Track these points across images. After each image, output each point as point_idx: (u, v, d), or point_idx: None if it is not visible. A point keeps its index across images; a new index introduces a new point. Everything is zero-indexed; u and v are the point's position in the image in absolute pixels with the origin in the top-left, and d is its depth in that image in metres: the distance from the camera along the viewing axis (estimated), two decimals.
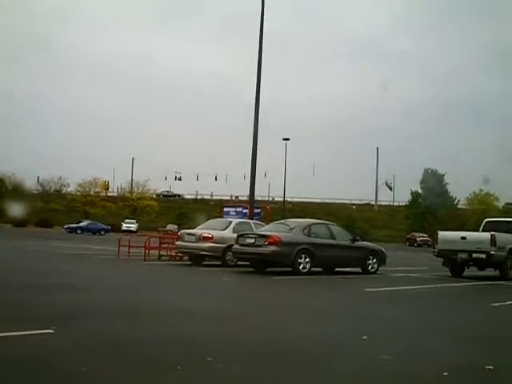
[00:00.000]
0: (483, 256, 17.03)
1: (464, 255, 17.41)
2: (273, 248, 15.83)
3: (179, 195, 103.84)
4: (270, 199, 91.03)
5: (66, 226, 61.43)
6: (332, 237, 17.32)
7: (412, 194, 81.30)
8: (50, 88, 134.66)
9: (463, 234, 18.51)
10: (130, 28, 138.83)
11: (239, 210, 27.16)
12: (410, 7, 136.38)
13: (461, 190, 78.69)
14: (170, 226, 53.36)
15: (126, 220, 73.13)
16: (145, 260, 19.59)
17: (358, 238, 18.31)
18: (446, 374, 5.10)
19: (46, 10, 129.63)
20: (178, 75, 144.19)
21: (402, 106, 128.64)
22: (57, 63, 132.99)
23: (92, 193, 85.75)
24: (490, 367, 5.40)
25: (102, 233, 60.44)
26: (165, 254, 21.27)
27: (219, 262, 18.38)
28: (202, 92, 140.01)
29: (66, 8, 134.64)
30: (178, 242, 19.70)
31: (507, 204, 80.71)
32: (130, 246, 20.42)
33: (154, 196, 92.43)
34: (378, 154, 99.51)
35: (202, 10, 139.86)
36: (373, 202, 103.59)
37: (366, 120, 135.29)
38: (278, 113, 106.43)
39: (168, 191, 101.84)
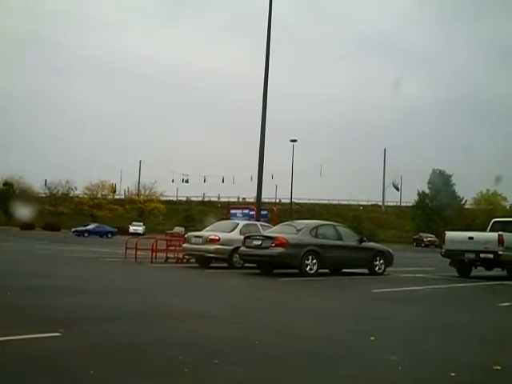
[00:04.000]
0: (491, 256, 16.99)
1: (471, 255, 17.37)
2: (280, 250, 15.81)
3: None
4: (277, 201, 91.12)
5: (73, 229, 61.69)
6: (339, 238, 17.31)
7: (419, 194, 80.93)
8: (56, 91, 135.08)
9: (470, 234, 18.46)
10: (133, 28, 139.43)
11: (246, 211, 27.26)
12: (422, 4, 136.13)
13: (468, 190, 78.52)
14: (177, 229, 53.70)
15: (134, 223, 73.43)
16: (151, 262, 19.60)
17: (364, 238, 18.28)
18: (453, 374, 5.09)
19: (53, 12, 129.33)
20: (185, 77, 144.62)
21: (409, 106, 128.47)
22: (62, 65, 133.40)
23: (99, 196, 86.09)
24: (498, 368, 5.38)
25: (109, 235, 60.57)
26: (172, 256, 21.30)
27: (226, 264, 18.37)
28: (209, 93, 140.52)
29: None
30: (184, 245, 19.69)
31: None
32: (136, 249, 20.42)
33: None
34: (385, 154, 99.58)
35: (206, 10, 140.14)
36: (380, 203, 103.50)
37: (373, 120, 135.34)
38: (284, 113, 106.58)
39: None
